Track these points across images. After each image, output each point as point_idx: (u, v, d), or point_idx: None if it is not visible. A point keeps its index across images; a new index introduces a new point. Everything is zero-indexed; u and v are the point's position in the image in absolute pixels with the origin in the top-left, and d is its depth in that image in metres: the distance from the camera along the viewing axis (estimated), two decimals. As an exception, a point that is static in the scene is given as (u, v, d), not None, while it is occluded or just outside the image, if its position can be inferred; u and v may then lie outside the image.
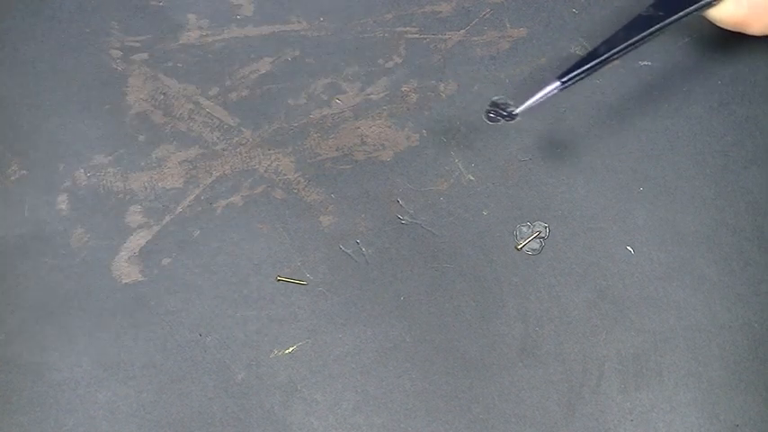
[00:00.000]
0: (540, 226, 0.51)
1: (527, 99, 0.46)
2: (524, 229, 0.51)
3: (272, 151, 0.52)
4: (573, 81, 0.46)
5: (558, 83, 0.46)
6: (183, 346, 0.49)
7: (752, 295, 0.50)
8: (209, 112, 0.53)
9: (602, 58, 0.46)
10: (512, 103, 0.46)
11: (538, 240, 0.51)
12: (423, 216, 0.51)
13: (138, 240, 0.51)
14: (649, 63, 0.50)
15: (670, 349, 0.49)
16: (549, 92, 0.46)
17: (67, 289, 0.50)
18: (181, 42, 0.54)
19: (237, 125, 0.53)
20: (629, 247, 0.51)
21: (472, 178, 0.52)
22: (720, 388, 0.48)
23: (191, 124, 0.52)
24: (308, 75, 0.54)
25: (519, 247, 0.51)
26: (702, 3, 0.47)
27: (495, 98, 0.47)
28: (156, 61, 0.53)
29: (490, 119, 0.47)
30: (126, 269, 0.50)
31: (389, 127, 0.53)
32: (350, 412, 0.48)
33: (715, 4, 0.48)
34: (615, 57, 0.47)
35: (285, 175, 0.52)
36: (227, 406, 0.48)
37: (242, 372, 0.49)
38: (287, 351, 0.49)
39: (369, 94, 0.53)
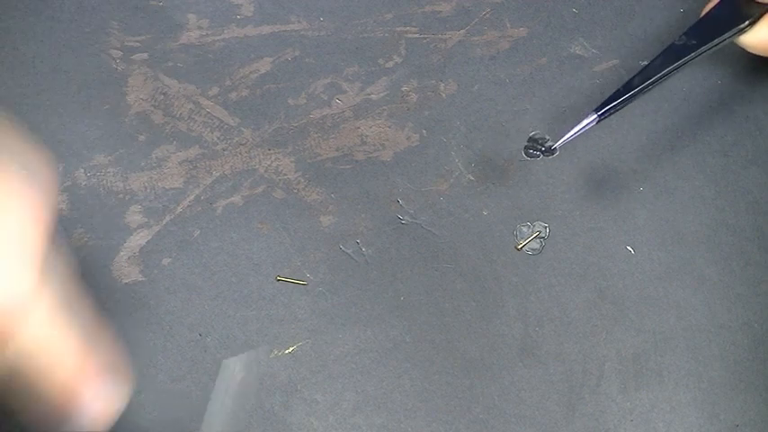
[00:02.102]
0: (540, 226, 0.51)
1: (564, 133, 0.46)
2: (524, 229, 0.51)
3: (272, 151, 0.52)
4: (610, 113, 0.46)
5: (595, 116, 0.46)
6: (182, 346, 0.49)
7: (752, 295, 0.50)
8: (209, 112, 0.53)
9: (639, 88, 0.47)
10: (549, 137, 0.47)
11: (538, 240, 0.51)
12: (423, 216, 0.51)
13: (138, 240, 0.51)
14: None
15: (670, 349, 0.49)
16: (587, 125, 0.46)
17: (67, 289, 0.50)
18: (181, 42, 0.54)
19: (237, 125, 0.53)
20: (629, 247, 0.51)
21: (472, 178, 0.52)
22: (720, 388, 0.48)
23: (191, 124, 0.52)
24: (308, 75, 0.54)
25: (519, 247, 0.51)
26: (735, 30, 0.47)
27: (533, 133, 0.48)
28: (156, 61, 0.53)
29: (529, 155, 0.47)
30: (126, 269, 0.50)
31: (389, 127, 0.53)
32: (350, 412, 0.48)
33: (747, 31, 0.48)
34: (651, 87, 0.47)
35: (285, 175, 0.52)
36: (228, 406, 0.48)
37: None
38: (287, 351, 0.49)
39: (369, 94, 0.53)
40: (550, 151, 0.47)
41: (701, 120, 0.52)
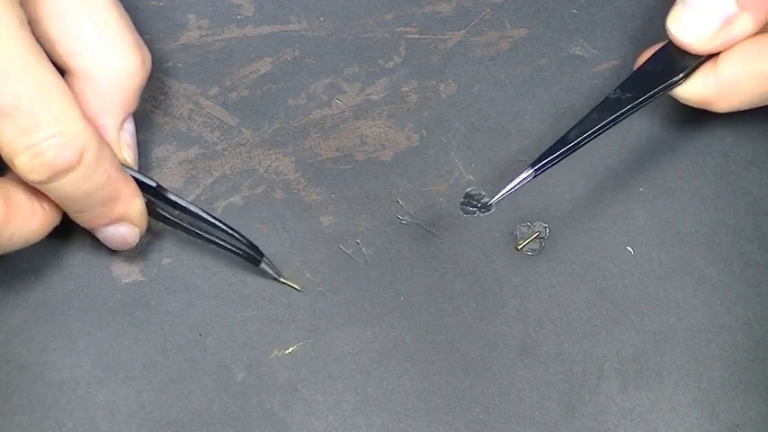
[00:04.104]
0: (539, 226, 0.51)
1: (501, 189, 0.47)
2: (524, 229, 0.51)
3: (272, 151, 0.52)
4: (545, 168, 0.47)
5: (531, 171, 0.47)
6: (182, 346, 0.49)
7: (752, 295, 0.50)
8: (209, 112, 0.53)
9: (574, 143, 0.47)
10: (485, 193, 0.48)
11: (538, 240, 0.51)
12: (423, 216, 0.51)
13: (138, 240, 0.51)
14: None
15: (670, 349, 0.49)
16: (523, 180, 0.46)
17: (67, 289, 0.50)
18: (181, 42, 0.54)
19: (237, 125, 0.53)
20: (629, 248, 0.51)
21: (472, 178, 0.52)
22: (720, 388, 0.48)
23: (191, 124, 0.52)
24: (308, 75, 0.54)
25: (519, 247, 0.51)
26: (669, 82, 0.48)
27: (469, 189, 0.49)
28: (157, 61, 0.53)
29: (465, 211, 0.48)
30: (126, 269, 0.50)
31: (389, 127, 0.53)
32: (350, 412, 0.48)
33: (682, 83, 0.48)
34: (586, 141, 0.47)
35: (285, 175, 0.52)
36: (227, 406, 0.48)
37: (242, 372, 0.49)
38: (287, 351, 0.49)
39: (369, 95, 0.53)
40: (486, 207, 0.48)
41: (700, 120, 0.52)
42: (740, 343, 0.49)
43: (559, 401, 0.48)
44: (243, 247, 0.48)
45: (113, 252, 0.50)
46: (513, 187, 0.47)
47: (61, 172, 0.42)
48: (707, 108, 0.48)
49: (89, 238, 0.51)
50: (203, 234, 0.48)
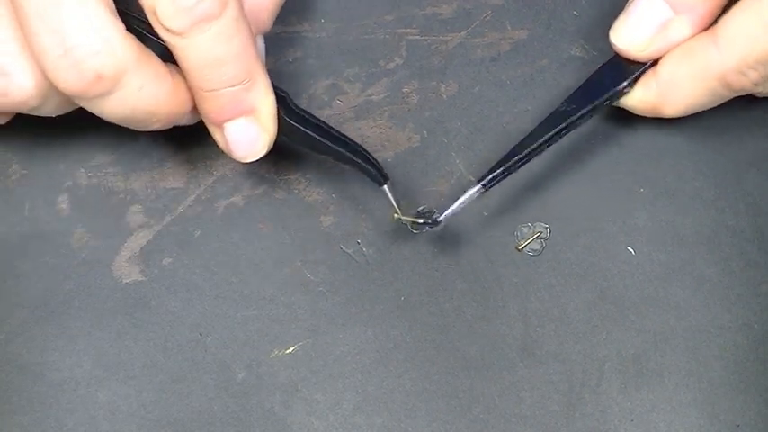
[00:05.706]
0: (540, 227, 0.51)
1: (451, 205, 0.48)
2: (525, 229, 0.51)
3: (272, 151, 0.52)
4: (494, 183, 0.47)
5: (479, 186, 0.47)
6: (183, 346, 0.49)
7: (752, 296, 0.50)
8: (210, 113, 0.53)
9: (521, 156, 0.47)
10: (436, 210, 0.49)
11: (538, 241, 0.51)
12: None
13: (138, 240, 0.51)
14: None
15: (670, 349, 0.49)
16: (471, 195, 0.47)
17: (68, 289, 0.50)
18: (182, 43, 0.54)
19: (238, 126, 0.53)
20: (629, 248, 0.51)
21: (473, 179, 0.52)
22: (721, 388, 0.48)
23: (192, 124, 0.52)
24: (309, 76, 0.54)
25: (520, 247, 0.51)
26: (614, 91, 0.48)
27: (420, 208, 0.50)
28: (158, 62, 0.53)
29: (416, 227, 0.49)
30: (126, 269, 0.50)
31: (390, 128, 0.53)
32: (350, 412, 0.48)
33: (626, 92, 0.48)
34: (533, 155, 0.47)
35: (286, 175, 0.52)
36: (228, 406, 0.48)
37: (242, 372, 0.49)
38: (287, 351, 0.49)
39: (370, 95, 0.53)
40: (436, 223, 0.48)
41: (700, 121, 0.52)
42: (740, 343, 0.49)
43: (560, 401, 0.48)
44: (368, 167, 0.47)
45: (114, 252, 0.50)
46: (462, 203, 0.47)
47: (202, 20, 0.41)
48: (655, 115, 0.49)
49: (89, 237, 0.51)
50: (330, 146, 0.47)
